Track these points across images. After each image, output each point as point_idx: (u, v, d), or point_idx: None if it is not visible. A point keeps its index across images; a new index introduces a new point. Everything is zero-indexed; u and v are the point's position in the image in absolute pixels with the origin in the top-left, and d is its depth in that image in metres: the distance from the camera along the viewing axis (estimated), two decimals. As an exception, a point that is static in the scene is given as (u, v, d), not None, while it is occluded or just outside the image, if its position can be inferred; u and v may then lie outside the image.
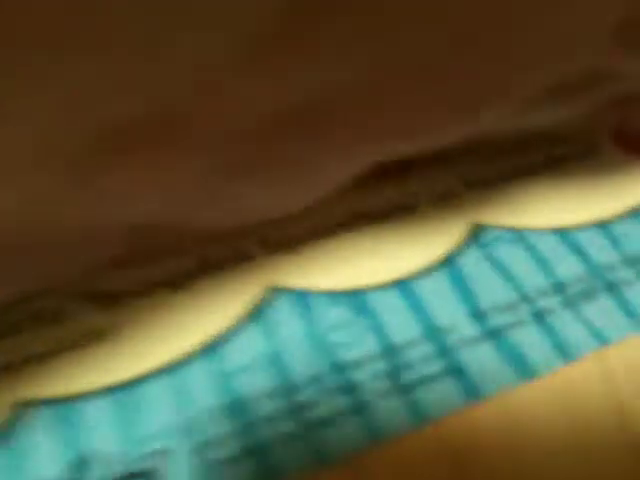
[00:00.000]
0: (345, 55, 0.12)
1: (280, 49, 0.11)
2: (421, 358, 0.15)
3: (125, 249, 0.16)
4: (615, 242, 0.18)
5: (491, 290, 0.17)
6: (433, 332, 0.16)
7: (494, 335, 0.16)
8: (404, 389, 0.15)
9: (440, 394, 0.15)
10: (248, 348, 0.16)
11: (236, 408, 0.15)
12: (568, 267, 0.17)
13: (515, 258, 0.17)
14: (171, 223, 0.15)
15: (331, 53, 0.11)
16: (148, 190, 0.13)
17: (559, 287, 0.17)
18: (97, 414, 0.15)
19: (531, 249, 0.18)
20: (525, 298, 0.16)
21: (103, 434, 0.14)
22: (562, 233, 0.18)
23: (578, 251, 0.17)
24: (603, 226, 0.18)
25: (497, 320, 0.16)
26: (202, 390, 0.15)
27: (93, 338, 0.16)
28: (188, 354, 0.16)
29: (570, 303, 0.16)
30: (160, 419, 0.15)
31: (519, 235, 0.18)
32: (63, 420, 0.15)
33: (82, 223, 0.14)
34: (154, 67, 0.10)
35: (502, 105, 0.15)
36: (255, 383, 0.15)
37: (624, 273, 0.17)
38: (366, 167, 0.17)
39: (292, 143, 0.13)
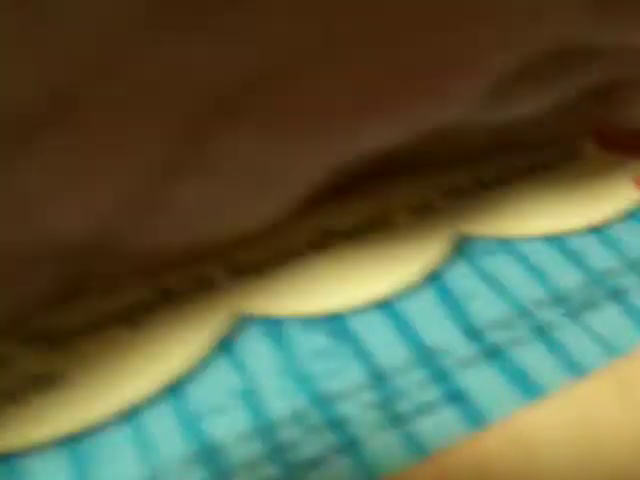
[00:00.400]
0: (294, 22, 0.10)
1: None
2: (415, 384, 0.14)
3: (63, 281, 0.14)
4: (613, 247, 0.16)
5: (484, 305, 0.15)
6: (425, 355, 0.14)
7: (493, 354, 0.14)
8: (399, 420, 0.13)
9: (440, 423, 0.13)
10: (217, 385, 0.14)
11: (208, 454, 0.13)
12: (566, 276, 0.16)
13: (507, 269, 0.16)
14: (112, 242, 0.13)
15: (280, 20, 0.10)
16: (71, 192, 0.11)
17: (559, 298, 0.15)
18: (47, 470, 0.13)
19: (523, 259, 0.16)
20: (523, 312, 0.15)
21: (53, 495, 0.12)
22: (555, 240, 0.16)
23: (574, 258, 0.16)
24: (597, 231, 0.17)
25: (495, 338, 0.14)
26: (168, 436, 0.13)
27: (38, 385, 0.14)
28: (150, 397, 0.14)
29: (573, 314, 0.15)
30: (121, 471, 0.13)
31: (508, 245, 0.16)
32: (7, 478, 0.12)
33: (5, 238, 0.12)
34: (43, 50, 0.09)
35: (468, 87, 0.14)
36: (228, 424, 0.13)
37: (627, 279, 0.15)
38: (330, 175, 0.15)
39: (230, 132, 0.11)
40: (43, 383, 0.14)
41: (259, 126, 0.11)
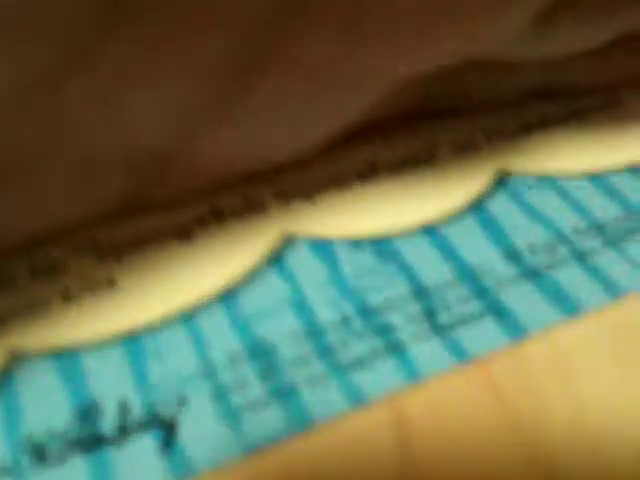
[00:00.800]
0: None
1: None
2: (458, 299, 0.14)
3: (128, 192, 0.15)
4: (651, 184, 0.17)
5: (525, 232, 0.16)
6: (467, 274, 0.15)
7: (534, 275, 0.15)
8: (442, 329, 0.14)
9: (482, 333, 0.14)
10: (268, 293, 0.14)
11: (259, 352, 0.13)
12: (605, 209, 0.16)
13: (547, 202, 0.16)
14: (183, 148, 0.14)
15: None
16: (144, 102, 0.12)
17: (597, 228, 0.16)
18: (108, 362, 0.13)
19: (563, 194, 0.16)
20: (563, 239, 0.15)
21: (116, 382, 0.13)
22: (594, 177, 0.17)
23: (613, 194, 0.16)
24: (635, 170, 0.17)
25: (535, 260, 0.15)
26: (221, 335, 0.14)
27: (101, 288, 0.15)
28: (204, 300, 0.14)
29: (611, 243, 0.15)
30: (177, 366, 0.13)
31: (549, 181, 0.17)
32: (70, 369, 0.13)
33: (82, 142, 0.13)
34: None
35: (499, 20, 0.14)
36: (278, 327, 0.14)
37: (665, 213, 0.16)
38: (391, 98, 0.16)
39: (310, 34, 0.12)
40: (105, 286, 0.15)
41: (338, 30, 0.12)
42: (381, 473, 0.12)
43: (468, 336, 0.13)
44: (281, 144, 0.15)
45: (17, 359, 0.13)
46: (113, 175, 0.14)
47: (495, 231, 0.16)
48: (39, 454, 0.12)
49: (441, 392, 0.13)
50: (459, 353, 0.13)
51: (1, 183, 0.13)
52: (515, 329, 0.14)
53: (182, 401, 0.13)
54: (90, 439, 0.12)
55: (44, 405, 0.13)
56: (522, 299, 0.14)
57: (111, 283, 0.15)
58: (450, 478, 0.12)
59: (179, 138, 0.14)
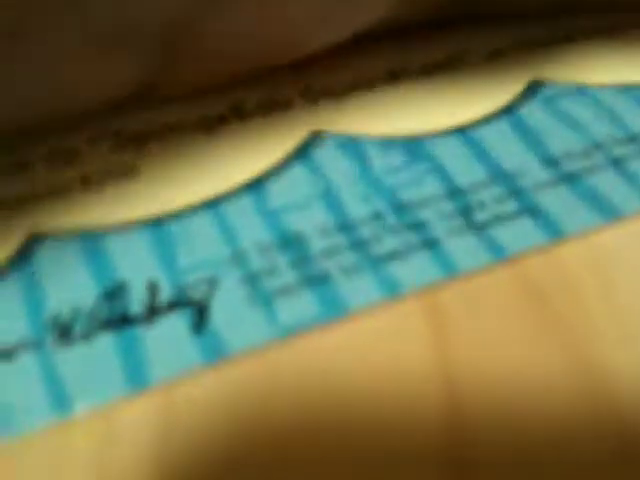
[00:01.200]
0: None
1: None
2: (493, 199, 0.14)
3: (143, 80, 0.15)
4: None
5: (560, 138, 0.15)
6: (502, 176, 0.14)
7: (570, 179, 0.14)
8: (478, 227, 0.13)
9: (518, 232, 0.13)
10: (296, 187, 0.14)
11: (289, 242, 0.13)
12: (638, 120, 0.16)
13: (581, 110, 0.16)
14: (193, 28, 0.13)
15: None
16: None
17: (633, 137, 0.15)
18: (134, 245, 0.13)
19: (598, 103, 0.16)
20: (599, 146, 0.15)
21: (143, 264, 0.12)
22: (628, 88, 0.16)
23: (649, 105, 0.16)
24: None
25: (571, 166, 0.14)
26: (249, 225, 0.13)
27: (122, 175, 0.14)
28: (230, 191, 0.14)
29: (648, 151, 0.15)
30: (205, 250, 0.13)
31: (583, 90, 0.16)
32: (94, 250, 0.13)
33: (98, 14, 0.12)
34: None
35: None
36: (308, 219, 0.13)
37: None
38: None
39: None
40: (120, 175, 0.14)
41: None
42: (415, 358, 0.11)
43: (504, 234, 0.13)
44: (305, 32, 0.14)
45: (39, 240, 0.13)
46: (126, 56, 0.14)
47: (530, 137, 0.15)
48: (64, 332, 0.11)
49: (478, 287, 0.12)
50: (495, 250, 0.13)
51: (18, 33, 0.12)
52: (552, 230, 0.13)
53: (213, 284, 0.12)
54: (118, 318, 0.12)
55: (69, 285, 0.12)
56: (559, 202, 0.14)
57: (133, 171, 0.14)
58: (485, 369, 0.11)
59: (184, 17, 0.13)
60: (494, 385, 0.11)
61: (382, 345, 0.12)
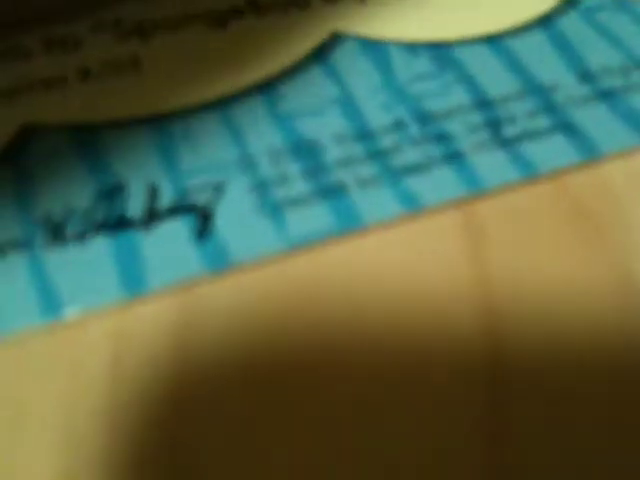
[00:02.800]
0: None
1: None
2: (524, 113, 0.13)
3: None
4: None
5: (598, 53, 0.14)
6: (535, 88, 0.13)
7: (607, 96, 0.13)
8: (507, 142, 0.12)
9: (552, 149, 0.12)
10: (312, 91, 0.13)
11: (302, 149, 0.12)
12: (687, 37, 0.14)
13: (621, 26, 0.15)
14: None
15: None
16: None
17: (678, 55, 0.14)
18: (134, 144, 0.12)
19: (637, 19, 0.15)
20: (637, 64, 0.14)
21: (143, 165, 0.12)
22: (676, 4, 0.15)
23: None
24: None
25: (609, 82, 0.13)
26: (260, 129, 0.12)
27: (124, 68, 0.13)
28: (240, 92, 0.13)
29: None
30: (211, 153, 0.12)
31: (623, 4, 0.15)
32: (90, 147, 0.12)
33: None
34: None
35: None
36: (323, 126, 0.12)
37: None
38: None
39: None
40: (121, 67, 0.13)
41: None
42: (450, 275, 0.11)
43: (536, 151, 0.12)
44: None
45: (32, 134, 0.12)
46: None
47: (566, 49, 0.14)
48: (56, 232, 0.11)
49: (515, 203, 0.12)
50: (527, 167, 0.12)
51: None
52: (588, 148, 0.12)
53: (218, 189, 0.11)
54: (114, 221, 0.11)
55: (62, 182, 0.11)
56: (595, 119, 0.13)
57: (136, 64, 0.13)
58: (524, 287, 0.10)
59: None
60: (533, 304, 0.10)
61: (410, 261, 0.11)
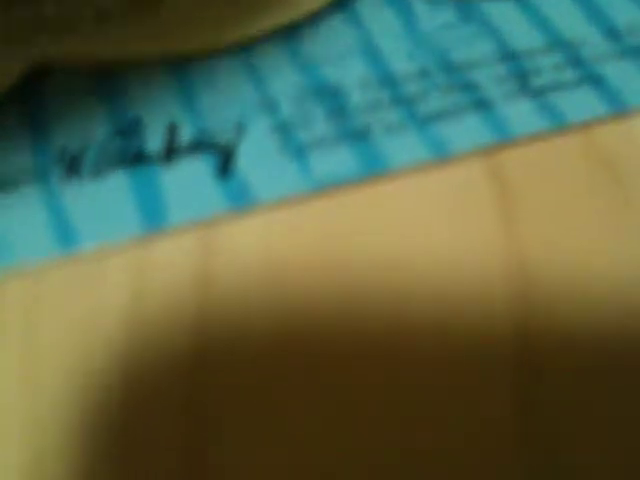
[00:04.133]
0: None
1: None
2: (551, 66, 0.12)
3: None
4: None
5: (623, 11, 0.14)
6: (562, 43, 0.13)
7: (634, 53, 0.13)
8: (535, 92, 0.12)
9: (578, 101, 0.12)
10: (335, 38, 0.13)
11: (325, 93, 0.12)
12: None
13: (648, -14, 0.14)
14: None
15: None
16: None
17: None
18: (153, 83, 0.11)
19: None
20: (667, 22, 0.14)
21: (161, 103, 0.11)
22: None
23: None
24: None
25: (635, 41, 0.13)
26: (282, 71, 0.12)
27: (146, 4, 0.12)
28: (263, 34, 0.12)
29: None
30: (232, 94, 0.11)
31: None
32: (107, 84, 0.11)
33: None
34: None
35: None
36: (347, 72, 0.12)
37: None
38: None
39: None
40: (142, 3, 0.12)
41: None
42: (476, 227, 0.10)
43: (564, 102, 0.12)
44: None
45: (48, 69, 0.11)
46: None
47: (592, 6, 0.14)
48: (72, 166, 0.10)
49: (542, 154, 0.11)
50: (554, 117, 0.12)
51: None
52: (615, 101, 0.12)
53: (240, 129, 0.11)
54: (131, 155, 0.10)
55: (78, 118, 0.11)
56: (622, 74, 0.12)
57: (156, 5, 0.13)
58: (554, 240, 0.10)
59: None
60: (563, 257, 0.10)
61: (436, 209, 0.10)
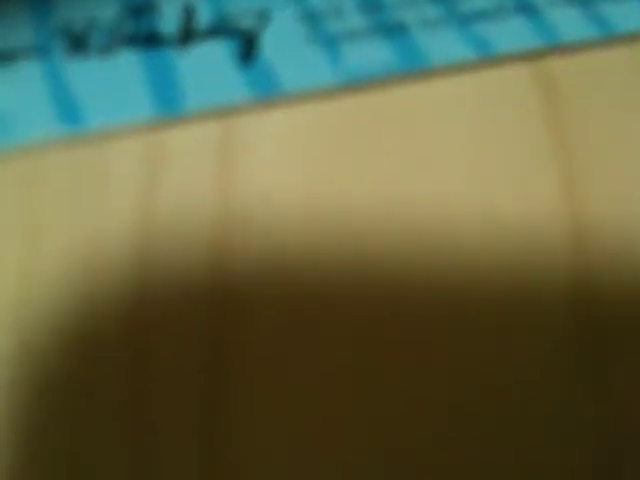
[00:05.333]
0: None
1: None
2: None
3: None
4: None
5: None
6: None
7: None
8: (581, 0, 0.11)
9: (629, 11, 0.11)
10: None
11: (358, -15, 0.10)
12: None
13: None
14: None
15: None
16: None
17: None
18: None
19: None
20: None
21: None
22: None
23: None
24: None
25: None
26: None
27: None
28: None
29: None
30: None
31: None
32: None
33: None
34: None
35: None
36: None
37: None
38: None
39: None
40: None
41: None
42: (520, 133, 0.09)
43: (614, 11, 0.11)
44: None
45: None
46: None
47: None
48: (77, 43, 0.09)
49: (593, 63, 0.10)
50: (603, 25, 0.11)
51: None
52: (672, 13, 0.11)
53: (262, 16, 0.10)
54: (143, 35, 0.09)
55: (85, -8, 0.10)
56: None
57: None
58: (603, 154, 0.09)
59: None
60: (612, 173, 0.09)
61: (478, 111, 0.09)
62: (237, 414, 0.07)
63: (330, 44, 0.10)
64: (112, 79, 0.09)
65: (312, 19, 0.10)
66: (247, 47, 0.09)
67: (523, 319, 0.08)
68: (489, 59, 0.10)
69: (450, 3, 0.10)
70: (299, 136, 0.09)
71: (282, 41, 0.10)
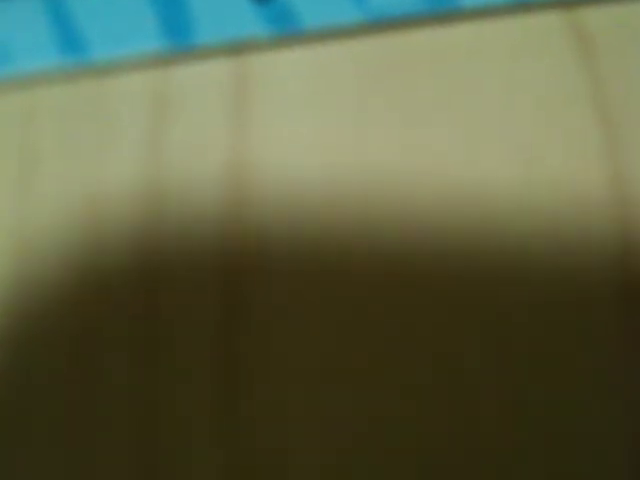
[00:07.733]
0: None
1: None
2: None
3: None
4: None
5: None
6: None
7: None
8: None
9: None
10: None
11: None
12: None
13: None
14: None
15: None
16: None
17: None
18: None
19: None
20: None
21: None
22: None
23: None
24: None
25: None
26: None
27: None
28: None
29: None
30: None
31: None
32: None
33: None
34: None
35: None
36: None
37: None
38: None
39: None
40: None
41: None
42: (555, 82, 0.09)
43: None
44: None
45: None
46: None
47: None
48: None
49: (626, 17, 0.10)
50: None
51: None
52: None
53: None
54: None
55: None
56: None
57: None
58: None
59: None
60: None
61: (509, 59, 0.09)
62: (253, 354, 0.07)
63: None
64: (117, 6, 0.08)
65: None
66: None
67: (567, 300, 0.07)
68: (523, 4, 0.09)
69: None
70: (320, 78, 0.08)
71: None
